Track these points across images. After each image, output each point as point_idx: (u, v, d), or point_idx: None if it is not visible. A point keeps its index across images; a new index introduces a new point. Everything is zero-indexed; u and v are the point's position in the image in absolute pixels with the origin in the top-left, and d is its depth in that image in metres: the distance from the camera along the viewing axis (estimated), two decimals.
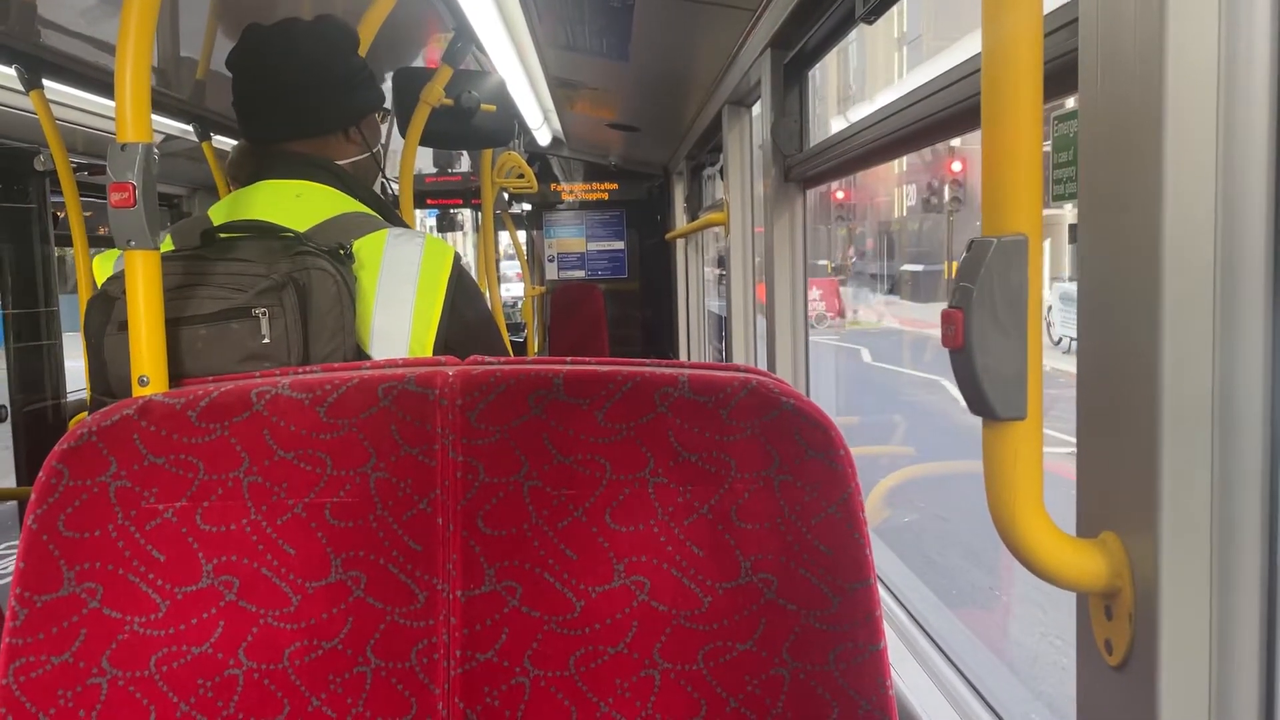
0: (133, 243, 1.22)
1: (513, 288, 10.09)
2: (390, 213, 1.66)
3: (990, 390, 0.74)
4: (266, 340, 1.34)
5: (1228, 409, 0.71)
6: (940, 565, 6.87)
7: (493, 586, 1.08)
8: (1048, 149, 0.92)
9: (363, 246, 1.48)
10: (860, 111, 1.75)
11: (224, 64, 1.70)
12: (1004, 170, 0.74)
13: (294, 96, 1.64)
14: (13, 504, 4.07)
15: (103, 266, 1.52)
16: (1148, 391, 0.72)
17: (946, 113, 1.37)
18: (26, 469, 3.56)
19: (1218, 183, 0.70)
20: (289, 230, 1.42)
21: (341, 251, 1.42)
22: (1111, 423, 0.77)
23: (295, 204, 1.54)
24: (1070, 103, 0.90)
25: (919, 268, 24.74)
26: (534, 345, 6.50)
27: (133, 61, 1.22)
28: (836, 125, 1.95)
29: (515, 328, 7.48)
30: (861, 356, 16.83)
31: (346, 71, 1.69)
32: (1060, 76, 0.85)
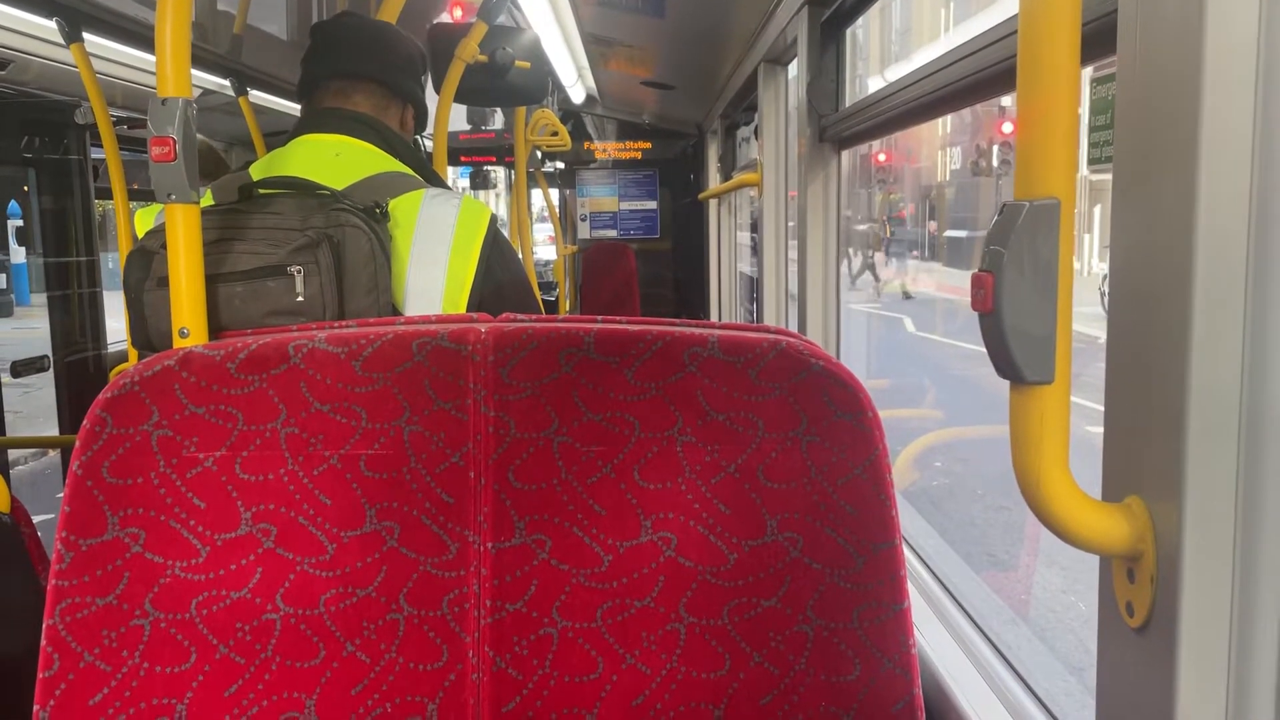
0: (173, 196, 1.24)
1: (540, 251, 10.02)
2: (430, 173, 1.68)
3: (1018, 354, 0.74)
4: (301, 298, 1.35)
5: (1257, 376, 0.71)
6: None
7: (522, 539, 1.10)
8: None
9: (399, 206, 1.49)
10: (901, 73, 1.73)
11: (261, 19, 1.73)
12: (1039, 133, 0.73)
13: (379, 39, 1.76)
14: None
15: (144, 220, 1.54)
16: (1176, 358, 0.72)
17: (985, 73, 1.35)
18: (69, 418, 3.63)
19: (1254, 149, 0.69)
20: (326, 188, 1.44)
21: (377, 210, 1.43)
22: (1139, 388, 0.77)
23: (334, 162, 1.56)
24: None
25: (963, 234, 24.39)
26: (565, 304, 6.51)
27: (173, 17, 1.23)
28: (878, 86, 1.91)
29: (547, 286, 7.49)
30: (905, 326, 16.48)
31: (419, 69, 1.84)
32: (1098, 38, 0.84)
